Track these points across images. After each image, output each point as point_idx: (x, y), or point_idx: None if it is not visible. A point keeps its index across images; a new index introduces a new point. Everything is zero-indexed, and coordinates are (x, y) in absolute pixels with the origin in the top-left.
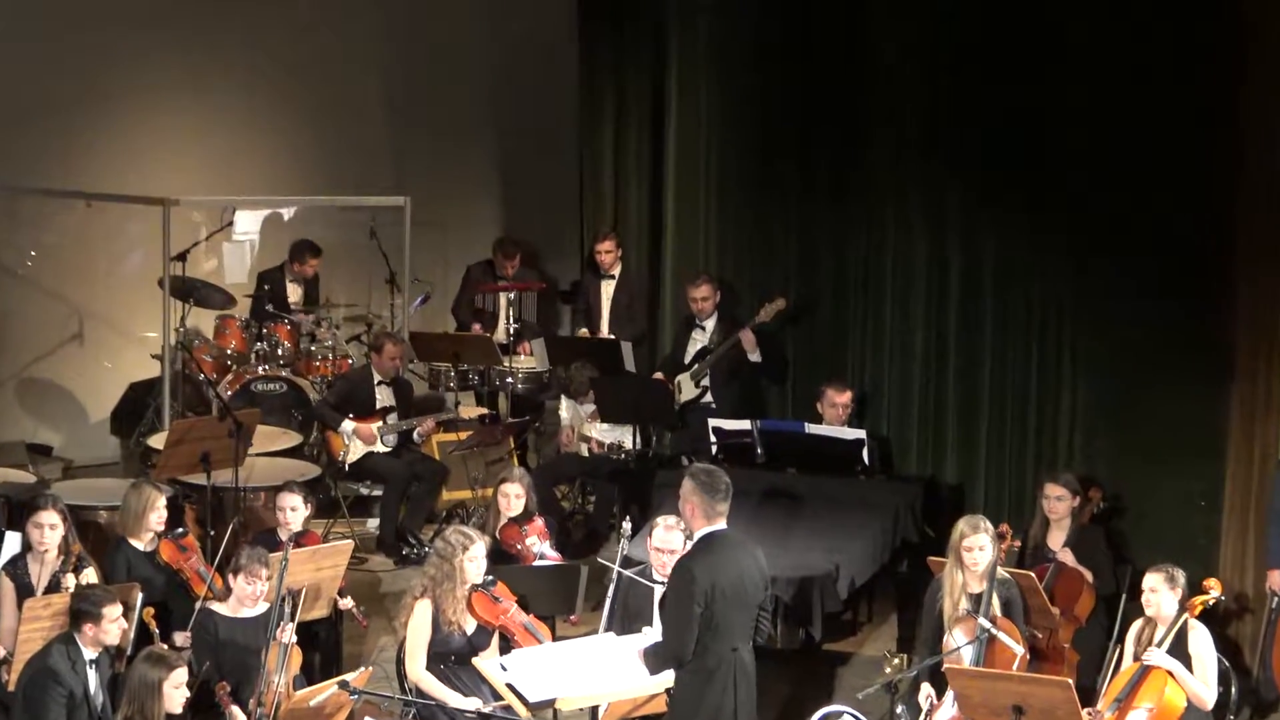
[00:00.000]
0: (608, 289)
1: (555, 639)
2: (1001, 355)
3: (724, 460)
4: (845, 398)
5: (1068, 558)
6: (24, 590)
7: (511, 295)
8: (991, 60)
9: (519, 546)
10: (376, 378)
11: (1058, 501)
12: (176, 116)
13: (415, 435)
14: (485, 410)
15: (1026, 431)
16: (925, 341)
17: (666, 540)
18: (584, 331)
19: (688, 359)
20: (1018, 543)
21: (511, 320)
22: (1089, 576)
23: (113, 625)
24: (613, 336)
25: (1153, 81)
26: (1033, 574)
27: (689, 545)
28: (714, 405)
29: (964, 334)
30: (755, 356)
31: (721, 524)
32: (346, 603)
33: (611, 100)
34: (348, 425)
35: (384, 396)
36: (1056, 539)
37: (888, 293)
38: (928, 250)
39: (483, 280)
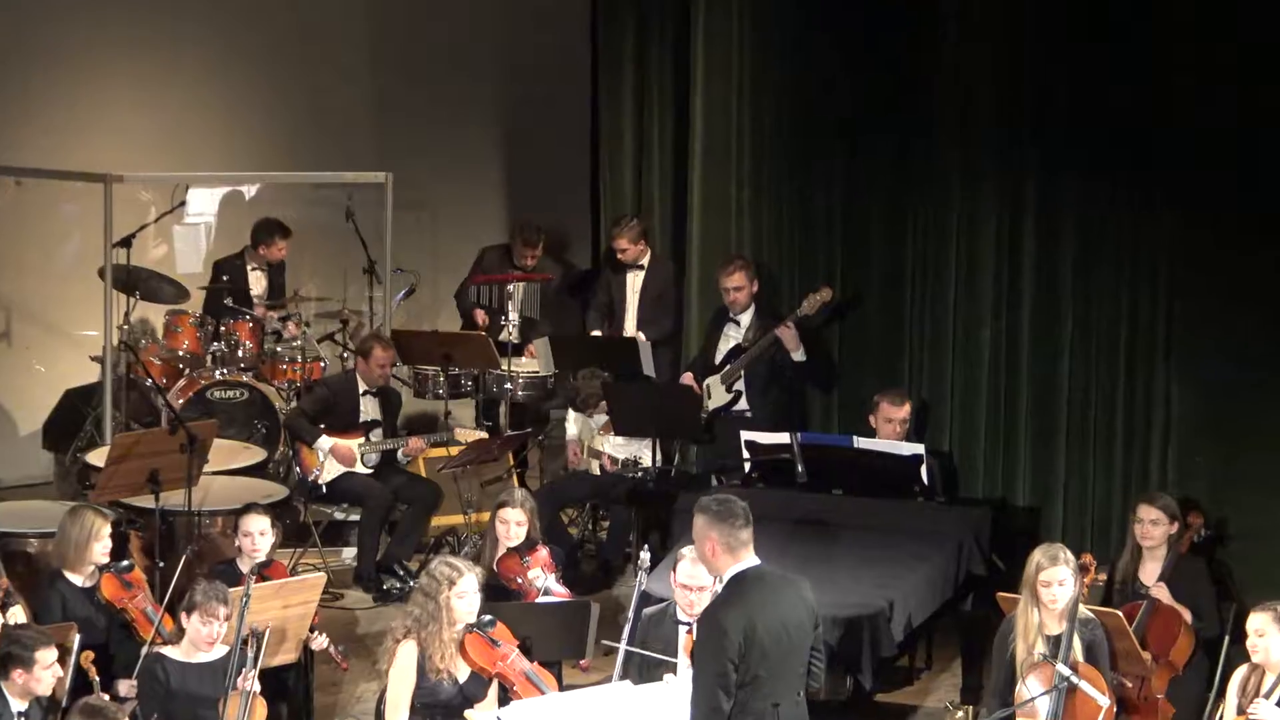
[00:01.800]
0: (635, 281)
1: (561, 688)
2: (1084, 357)
3: (758, 479)
4: (903, 412)
5: (1162, 594)
6: None
7: (510, 287)
8: (1083, 22)
9: (520, 580)
10: (361, 387)
11: (1152, 527)
12: (119, 79)
13: (400, 456)
14: (484, 435)
15: (1113, 446)
16: (994, 342)
17: (694, 575)
18: (596, 333)
19: (718, 359)
20: (1103, 576)
21: (516, 317)
22: (1187, 616)
23: (46, 672)
24: (641, 335)
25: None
26: (1121, 613)
27: (717, 586)
28: (748, 414)
29: (1040, 333)
30: (799, 355)
31: (750, 556)
32: (320, 642)
33: (631, 61)
34: (324, 442)
35: (369, 409)
36: (1149, 572)
37: (950, 285)
38: (997, 236)
39: (495, 268)
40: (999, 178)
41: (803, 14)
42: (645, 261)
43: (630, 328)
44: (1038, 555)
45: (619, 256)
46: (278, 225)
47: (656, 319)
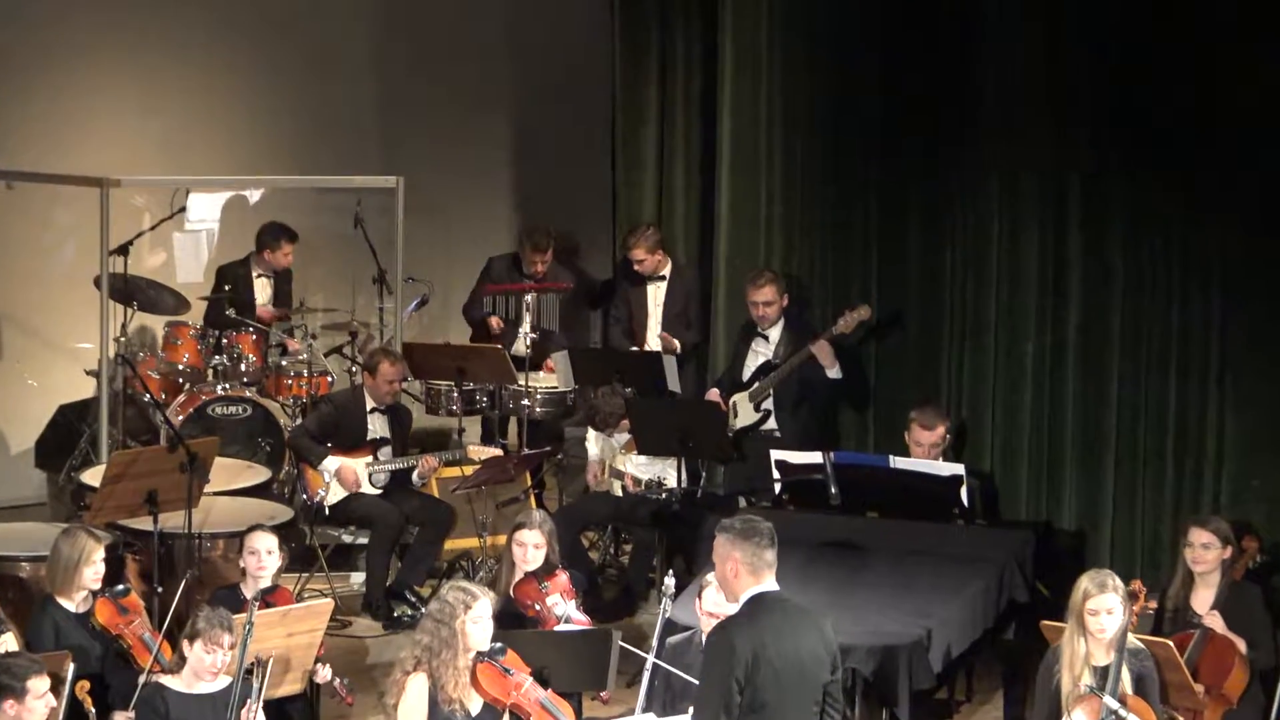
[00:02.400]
0: (656, 293)
1: None
2: (1133, 373)
3: (789, 501)
4: (937, 434)
5: (1216, 623)
6: None
7: (528, 298)
8: (1128, 21)
9: (537, 607)
10: (369, 403)
11: (1204, 552)
12: (117, 79)
13: (415, 478)
14: (497, 451)
15: (1164, 467)
16: (1038, 358)
17: (721, 602)
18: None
19: (746, 375)
20: (1153, 604)
21: (531, 329)
22: (1242, 646)
23: (38, 703)
24: (659, 348)
25: None
26: (1171, 643)
27: (738, 607)
28: (777, 433)
29: (1086, 348)
30: (834, 372)
31: (771, 580)
32: (325, 674)
33: (654, 60)
34: (330, 462)
35: (377, 427)
36: (1202, 600)
37: (993, 300)
38: (1040, 247)
39: (505, 277)
40: (1042, 186)
41: (835, 12)
42: (666, 272)
43: (653, 342)
44: (1084, 582)
45: (636, 268)
46: (284, 229)
47: (680, 331)
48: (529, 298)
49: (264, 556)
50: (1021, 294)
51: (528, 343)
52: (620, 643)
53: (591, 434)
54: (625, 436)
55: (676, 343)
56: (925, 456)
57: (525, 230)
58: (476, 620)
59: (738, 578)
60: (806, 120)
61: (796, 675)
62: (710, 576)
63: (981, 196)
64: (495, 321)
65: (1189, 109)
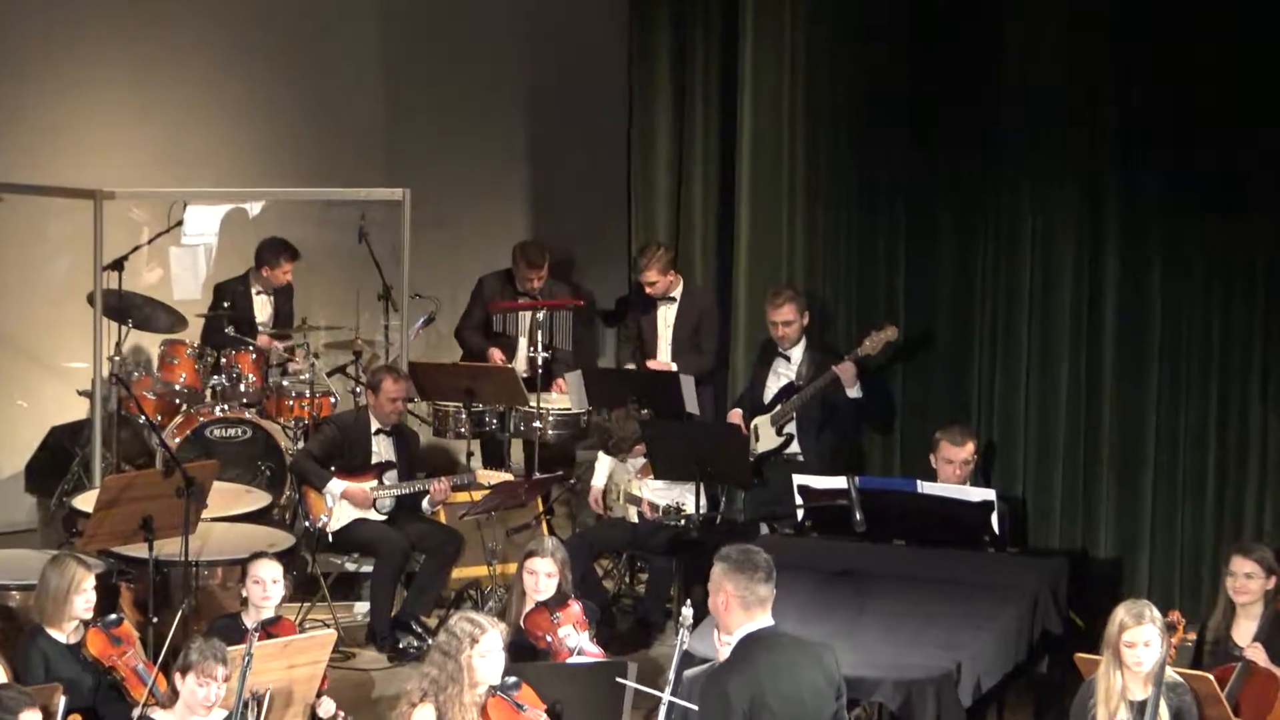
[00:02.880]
0: (666, 314)
1: None
2: (1172, 393)
3: (812, 528)
4: (965, 451)
5: (1258, 655)
6: None
7: (539, 315)
8: (1164, 18)
9: (549, 639)
10: (374, 425)
11: (1246, 581)
12: (112, 87)
13: (426, 505)
14: (508, 476)
15: (1204, 491)
16: (1073, 378)
17: None
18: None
19: (768, 397)
20: (1193, 635)
21: (539, 348)
22: None
23: None
24: (673, 368)
25: None
26: (1212, 676)
27: (729, 649)
28: (800, 457)
29: (1123, 368)
30: (854, 391)
31: (766, 617)
32: (327, 709)
33: (669, 67)
34: (335, 485)
35: (381, 449)
36: (1244, 631)
37: (1025, 317)
38: (1076, 264)
39: (499, 296)
40: (1077, 197)
41: (863, 14)
42: (677, 293)
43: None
44: (1121, 613)
45: (648, 290)
46: (284, 246)
47: (692, 354)
48: (539, 315)
49: (269, 586)
50: (1055, 311)
51: (535, 363)
52: (634, 680)
53: (601, 458)
54: (641, 460)
55: (674, 367)
56: (955, 476)
57: (517, 247)
58: (485, 654)
59: (729, 611)
60: (832, 130)
61: (798, 713)
62: None
63: (1013, 209)
64: (497, 355)
65: (1231, 110)
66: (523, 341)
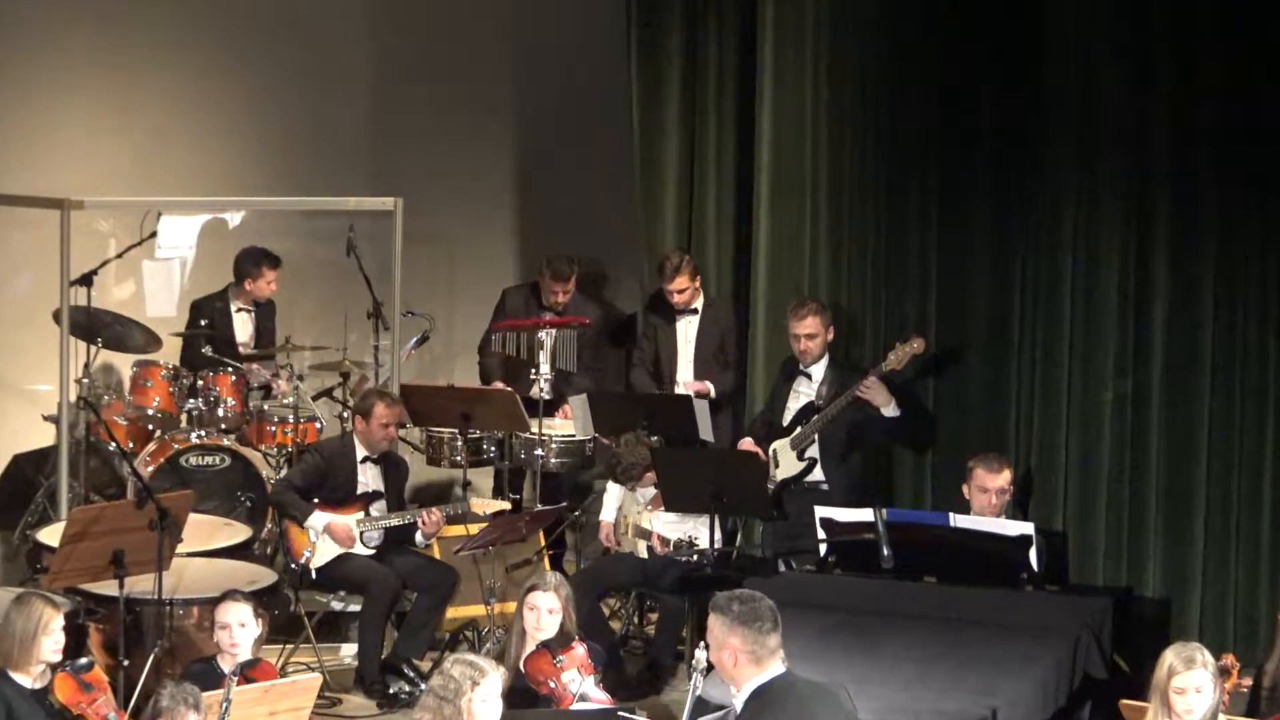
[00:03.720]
0: (687, 329)
1: None
2: (1225, 418)
3: (836, 564)
4: (1001, 480)
5: None
6: None
7: (546, 334)
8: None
9: (551, 683)
10: (360, 453)
11: None
12: (81, 89)
13: (420, 538)
14: (506, 504)
15: (1260, 526)
16: (1118, 401)
17: None
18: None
19: (788, 419)
20: (1248, 681)
21: (548, 370)
22: None
23: None
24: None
25: None
26: None
27: (739, 704)
28: (823, 485)
29: (1173, 390)
30: (891, 409)
31: (778, 665)
32: None
33: (679, 65)
34: (317, 518)
35: (369, 479)
36: None
37: (1066, 333)
38: (1122, 276)
39: (522, 312)
40: (1124, 204)
41: (891, 13)
42: (698, 305)
43: (681, 386)
44: (1170, 656)
45: (675, 299)
46: (264, 254)
47: (716, 373)
48: (541, 335)
49: (236, 631)
50: (1099, 329)
51: (542, 386)
52: None
53: (611, 489)
54: (651, 490)
55: (710, 386)
56: (990, 507)
57: (546, 257)
58: (485, 699)
59: (737, 667)
60: (858, 129)
61: None
62: None
63: (1055, 217)
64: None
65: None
66: (544, 363)
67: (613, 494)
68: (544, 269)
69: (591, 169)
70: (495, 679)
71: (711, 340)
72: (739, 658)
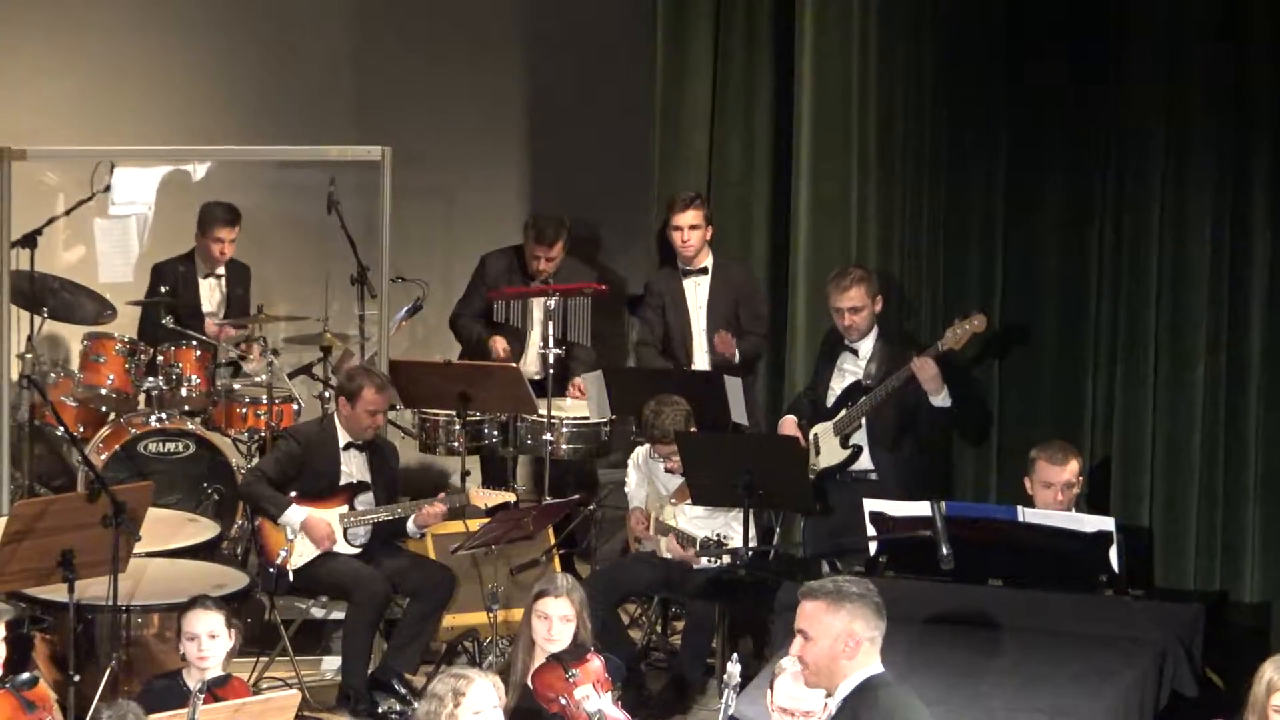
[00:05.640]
0: (698, 292)
1: None
2: None
3: (887, 565)
4: (1068, 472)
5: None
6: None
7: (551, 303)
8: None
9: (562, 700)
10: (343, 438)
11: None
12: (22, 30)
13: (411, 526)
14: (510, 495)
15: None
16: (1209, 382)
17: (798, 696)
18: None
19: (830, 400)
20: None
21: (550, 343)
22: None
23: None
24: (707, 368)
25: None
26: None
27: (832, 704)
28: (871, 475)
29: (1272, 370)
30: (941, 400)
31: (878, 663)
32: None
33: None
34: (294, 513)
35: (353, 468)
36: None
37: (1151, 308)
38: (1215, 244)
39: (504, 279)
40: (1217, 162)
41: None
42: (708, 264)
43: (698, 356)
44: (1269, 670)
45: (681, 242)
46: (221, 208)
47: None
48: (550, 303)
49: (205, 642)
50: (1189, 303)
51: (547, 360)
52: None
53: (631, 474)
54: (677, 481)
55: (734, 345)
56: (1055, 502)
57: (529, 221)
58: (477, 711)
59: (853, 659)
60: (912, 79)
61: None
62: (785, 662)
63: (1139, 175)
64: (500, 345)
65: None
66: (534, 335)
67: (633, 480)
68: (528, 232)
69: (605, 116)
70: (484, 686)
71: (724, 305)
72: (861, 645)
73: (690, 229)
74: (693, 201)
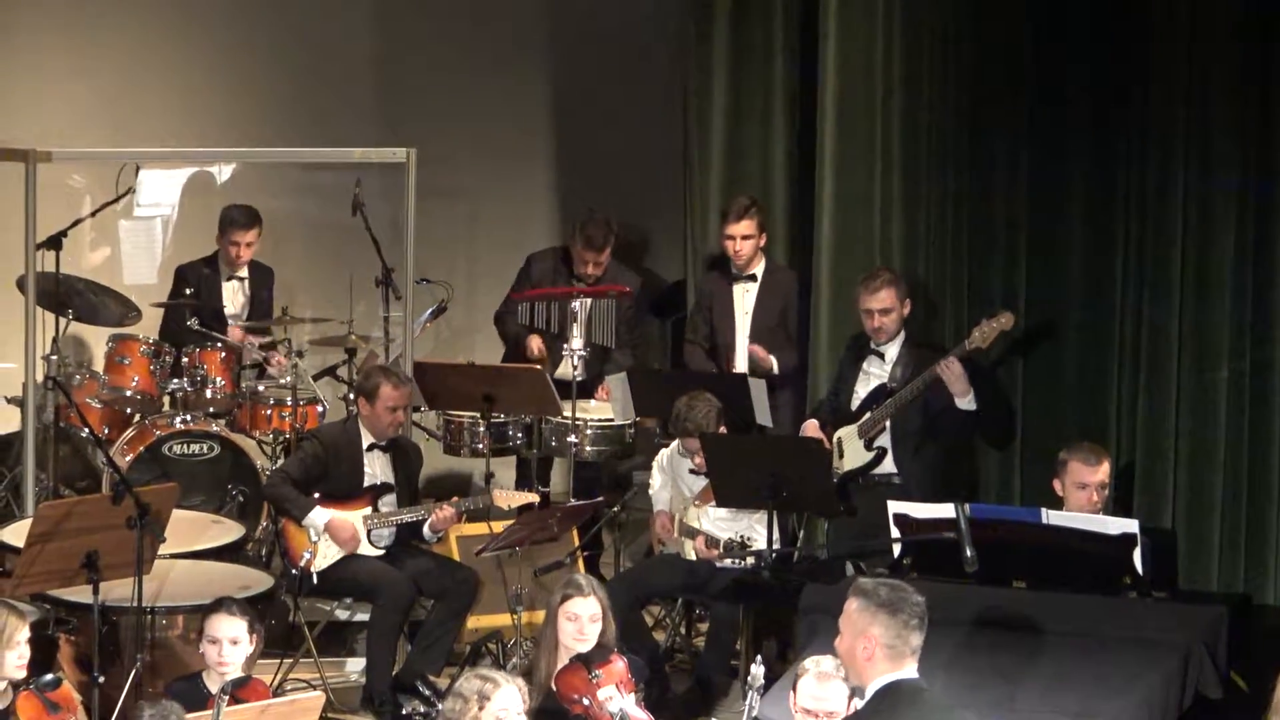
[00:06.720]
0: (746, 297)
1: None
2: None
3: (912, 567)
4: (1100, 473)
5: None
6: None
7: (577, 305)
8: None
9: (586, 701)
10: (366, 439)
11: None
12: (48, 34)
13: (426, 531)
14: (533, 496)
15: None
16: (1234, 383)
17: (821, 697)
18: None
19: (856, 403)
20: None
21: (581, 346)
22: None
23: None
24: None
25: None
26: None
27: (859, 705)
28: (895, 478)
29: None
30: (966, 403)
31: (912, 669)
32: None
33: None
34: (317, 515)
35: (376, 469)
36: None
37: (1175, 308)
38: (1239, 241)
39: (549, 280)
40: (1242, 159)
41: None
42: (759, 270)
43: (741, 361)
44: None
45: (736, 252)
46: (240, 211)
47: (775, 350)
48: (574, 306)
49: (226, 648)
50: (1213, 303)
51: (576, 362)
52: None
53: (656, 477)
54: (701, 482)
55: (771, 358)
56: (1088, 504)
57: (579, 221)
58: (503, 713)
59: (871, 661)
60: (936, 77)
61: None
62: (808, 663)
63: (1164, 170)
64: (536, 344)
65: None
66: (577, 340)
67: (657, 481)
68: (575, 235)
69: (633, 117)
70: (510, 691)
71: (771, 312)
72: (876, 652)
73: (743, 239)
74: (747, 211)
